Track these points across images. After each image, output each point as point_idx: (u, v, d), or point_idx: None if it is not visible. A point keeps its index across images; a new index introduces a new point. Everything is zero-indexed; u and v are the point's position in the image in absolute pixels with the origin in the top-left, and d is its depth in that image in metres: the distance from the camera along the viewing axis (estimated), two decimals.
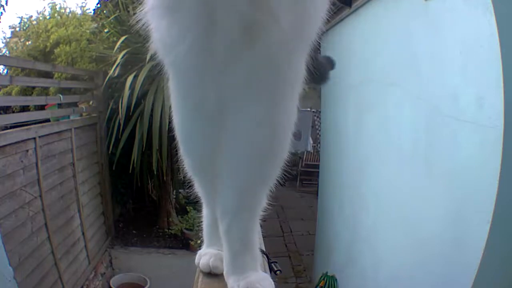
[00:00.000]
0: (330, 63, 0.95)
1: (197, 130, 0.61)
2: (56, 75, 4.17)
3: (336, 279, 2.97)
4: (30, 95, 4.45)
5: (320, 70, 0.82)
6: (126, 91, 3.28)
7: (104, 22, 4.48)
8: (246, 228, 0.62)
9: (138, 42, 3.63)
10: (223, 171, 0.59)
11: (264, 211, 0.64)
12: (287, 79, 0.54)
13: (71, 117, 3.41)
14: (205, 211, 0.75)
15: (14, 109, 4.31)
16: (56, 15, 5.20)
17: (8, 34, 5.67)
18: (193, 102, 0.58)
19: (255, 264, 0.64)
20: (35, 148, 2.53)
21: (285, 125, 0.57)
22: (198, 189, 0.71)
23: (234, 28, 0.46)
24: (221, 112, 0.55)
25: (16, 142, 2.32)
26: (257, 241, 0.66)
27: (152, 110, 3.32)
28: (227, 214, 0.61)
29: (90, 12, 5.39)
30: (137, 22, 0.56)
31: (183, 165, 0.68)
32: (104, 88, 3.71)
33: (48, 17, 5.24)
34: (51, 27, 4.88)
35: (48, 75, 4.14)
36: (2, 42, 5.67)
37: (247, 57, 0.49)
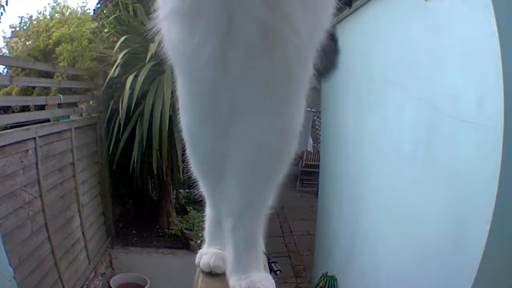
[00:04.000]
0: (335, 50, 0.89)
1: (206, 133, 0.61)
2: (56, 75, 4.17)
3: (336, 279, 2.97)
4: (30, 95, 4.45)
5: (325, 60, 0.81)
6: (126, 91, 3.28)
7: (104, 22, 4.48)
8: (252, 227, 0.63)
9: (138, 42, 3.63)
10: (231, 171, 0.60)
11: (270, 211, 0.65)
12: (299, 80, 0.55)
13: (71, 117, 3.41)
14: (208, 211, 0.75)
15: (14, 109, 4.31)
16: (57, 15, 5.20)
17: (9, 34, 5.69)
18: (205, 106, 0.58)
19: (258, 263, 0.65)
20: (35, 148, 2.53)
21: (295, 125, 0.58)
22: (203, 189, 0.71)
23: (253, 36, 0.47)
24: (232, 115, 0.56)
25: (16, 142, 2.32)
26: (262, 241, 0.66)
27: (152, 110, 3.31)
28: (233, 213, 0.62)
29: (90, 12, 5.39)
30: (151, 28, 0.56)
31: (189, 165, 0.69)
32: (104, 88, 3.71)
33: (48, 16, 5.25)
34: (52, 26, 4.88)
35: (48, 75, 4.14)
36: (3, 42, 5.68)
37: (265, 63, 0.49)
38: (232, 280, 0.64)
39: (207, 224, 0.77)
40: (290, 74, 0.53)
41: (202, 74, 0.52)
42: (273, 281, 0.65)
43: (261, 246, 0.67)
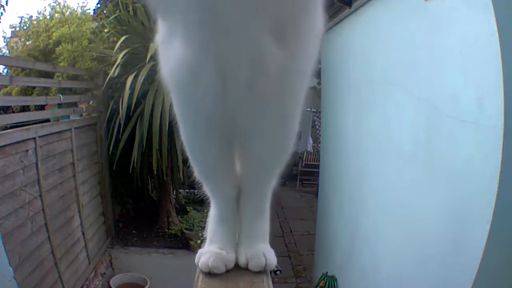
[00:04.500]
0: None
1: (206, 146, 0.66)
2: (56, 75, 4.17)
3: (336, 279, 2.97)
4: (30, 95, 4.45)
5: None
6: (126, 91, 3.28)
7: (104, 22, 4.48)
8: (261, 199, 0.73)
9: (138, 42, 3.63)
10: (245, 172, 0.70)
11: (275, 190, 0.74)
12: (295, 101, 0.62)
13: (71, 117, 3.41)
14: (213, 209, 0.76)
15: (14, 109, 4.31)
16: (56, 15, 5.20)
17: (9, 34, 5.69)
18: (202, 127, 0.64)
19: (264, 236, 0.74)
20: (35, 148, 2.53)
21: (292, 136, 0.66)
22: (207, 188, 0.74)
23: (243, 82, 0.56)
24: (231, 132, 0.63)
25: (16, 142, 2.32)
26: (268, 216, 0.75)
27: (152, 110, 3.32)
28: (246, 190, 0.71)
29: (90, 12, 5.39)
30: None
31: (191, 168, 0.72)
32: (104, 88, 3.71)
33: (48, 16, 5.25)
34: (52, 26, 4.88)
35: (48, 75, 4.14)
36: (3, 42, 5.68)
37: (255, 102, 0.58)
38: (239, 250, 0.71)
39: (211, 222, 0.77)
40: (283, 109, 0.61)
41: (200, 105, 0.59)
42: (275, 255, 0.72)
43: (267, 218, 0.75)
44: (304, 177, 6.77)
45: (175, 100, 0.64)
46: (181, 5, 0.53)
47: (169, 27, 0.59)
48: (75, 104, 3.56)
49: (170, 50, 0.58)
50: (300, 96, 0.62)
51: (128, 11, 3.81)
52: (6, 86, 4.40)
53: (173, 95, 0.63)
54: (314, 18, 0.58)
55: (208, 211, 0.79)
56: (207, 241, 0.75)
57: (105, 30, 4.50)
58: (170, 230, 4.14)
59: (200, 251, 0.74)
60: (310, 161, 6.76)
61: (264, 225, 0.75)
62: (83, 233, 3.27)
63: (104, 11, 4.64)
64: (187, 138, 0.67)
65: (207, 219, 0.80)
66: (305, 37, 0.58)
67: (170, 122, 3.16)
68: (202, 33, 0.53)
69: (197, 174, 0.71)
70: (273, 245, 0.75)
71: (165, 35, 0.60)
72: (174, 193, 4.48)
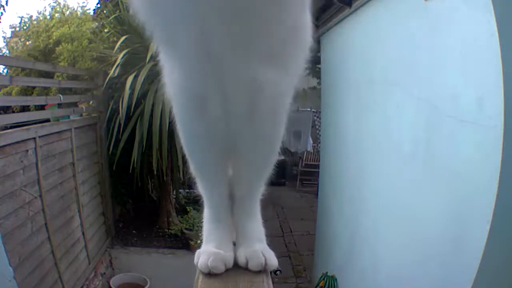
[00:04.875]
0: None
1: (204, 149, 0.70)
2: (56, 75, 4.17)
3: (336, 279, 2.97)
4: (30, 95, 4.45)
5: None
6: (126, 91, 3.28)
7: (104, 22, 4.48)
8: (251, 203, 0.77)
9: (138, 42, 3.63)
10: (238, 177, 0.74)
11: (262, 196, 0.79)
12: (283, 117, 0.68)
13: (71, 117, 3.41)
14: (207, 209, 0.78)
15: (14, 109, 4.31)
16: (56, 15, 5.20)
17: (9, 34, 5.69)
18: (203, 140, 0.68)
19: (260, 235, 0.77)
20: (35, 148, 2.53)
21: (281, 137, 0.71)
22: (202, 185, 0.76)
23: (244, 106, 0.61)
24: (230, 143, 0.67)
25: (16, 142, 2.32)
26: (260, 216, 0.79)
27: (152, 110, 3.32)
28: (237, 195, 0.75)
29: (90, 12, 5.39)
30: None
31: (189, 166, 0.75)
32: (104, 88, 3.71)
33: (48, 16, 5.25)
34: (52, 26, 4.88)
35: (48, 75, 4.14)
36: (3, 42, 5.68)
37: (255, 122, 0.64)
38: (238, 252, 0.73)
39: (205, 222, 0.78)
40: (274, 121, 0.66)
41: (200, 126, 0.65)
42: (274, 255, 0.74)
43: (260, 220, 0.78)
44: (304, 177, 6.77)
45: (176, 115, 0.67)
46: (182, 47, 0.57)
47: (170, 58, 0.63)
48: (75, 104, 3.56)
49: (171, 75, 0.63)
50: (288, 105, 0.67)
51: (128, 11, 3.80)
52: (6, 86, 4.40)
53: (174, 112, 0.67)
54: (303, 41, 0.64)
55: None
56: (204, 240, 0.76)
57: (105, 30, 4.50)
58: (170, 230, 4.14)
59: (198, 251, 0.74)
60: (310, 161, 6.76)
61: (258, 226, 0.78)
62: (83, 233, 3.27)
63: (104, 11, 4.64)
64: (185, 140, 0.70)
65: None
66: (295, 56, 0.64)
67: (170, 122, 3.15)
68: (201, 68, 0.58)
69: (193, 171, 0.74)
70: (273, 245, 0.75)
71: (166, 60, 0.64)
72: (174, 193, 4.47)
